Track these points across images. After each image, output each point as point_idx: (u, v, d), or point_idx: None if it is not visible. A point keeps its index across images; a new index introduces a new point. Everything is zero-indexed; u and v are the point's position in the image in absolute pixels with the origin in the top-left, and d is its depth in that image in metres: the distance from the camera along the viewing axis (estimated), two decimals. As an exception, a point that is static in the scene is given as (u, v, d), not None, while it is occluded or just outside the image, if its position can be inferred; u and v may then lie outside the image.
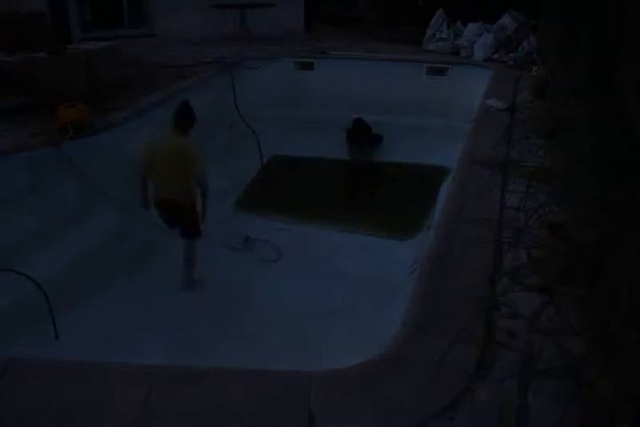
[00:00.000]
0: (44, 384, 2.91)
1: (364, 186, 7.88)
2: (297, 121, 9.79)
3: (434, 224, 5.15)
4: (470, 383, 2.80)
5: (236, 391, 2.83)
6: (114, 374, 2.99)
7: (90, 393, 2.84)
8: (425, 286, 3.65)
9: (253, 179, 8.53)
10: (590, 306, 3.32)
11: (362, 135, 9.00)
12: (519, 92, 8.19)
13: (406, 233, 6.85)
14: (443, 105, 9.37)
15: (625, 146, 2.40)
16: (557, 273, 3.73)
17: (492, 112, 7.44)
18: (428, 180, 7.83)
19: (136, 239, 6.19)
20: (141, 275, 5.79)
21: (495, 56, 10.45)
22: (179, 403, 2.74)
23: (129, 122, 7.03)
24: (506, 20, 10.81)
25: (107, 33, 11.23)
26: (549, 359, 2.97)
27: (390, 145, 9.30)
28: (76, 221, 5.89)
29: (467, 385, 2.79)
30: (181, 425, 2.66)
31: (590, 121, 3.24)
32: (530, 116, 7.07)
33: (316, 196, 7.83)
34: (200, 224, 5.57)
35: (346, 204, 7.37)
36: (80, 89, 7.06)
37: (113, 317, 5.07)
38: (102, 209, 6.17)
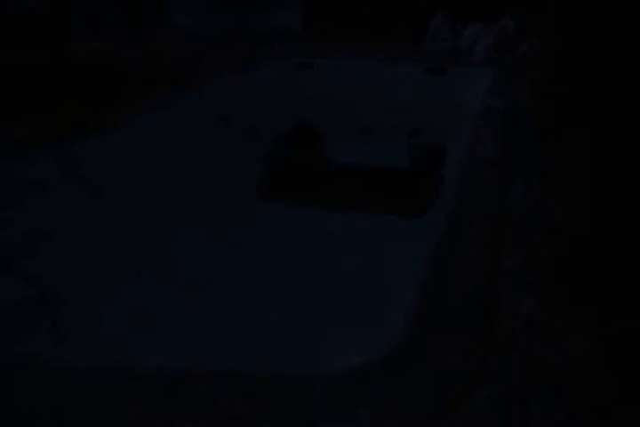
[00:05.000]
0: (44, 384, 2.91)
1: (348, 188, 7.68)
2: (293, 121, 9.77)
3: (434, 224, 5.15)
4: (471, 384, 2.80)
5: (235, 391, 2.83)
6: (112, 375, 2.98)
7: (89, 394, 2.84)
8: (425, 286, 3.65)
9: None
10: (590, 305, 3.33)
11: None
12: (519, 92, 8.19)
13: (405, 232, 6.83)
14: (443, 105, 9.37)
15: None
16: (558, 272, 3.73)
17: (493, 112, 7.44)
18: (426, 180, 7.81)
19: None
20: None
21: (495, 56, 10.46)
22: (178, 404, 2.73)
23: (128, 122, 7.03)
24: (506, 20, 10.83)
25: (107, 32, 11.22)
26: (550, 359, 2.97)
27: (388, 146, 9.29)
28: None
29: (468, 386, 2.79)
30: (180, 425, 2.66)
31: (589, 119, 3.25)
32: (530, 115, 7.08)
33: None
34: None
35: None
36: (80, 88, 7.06)
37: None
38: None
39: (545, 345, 3.06)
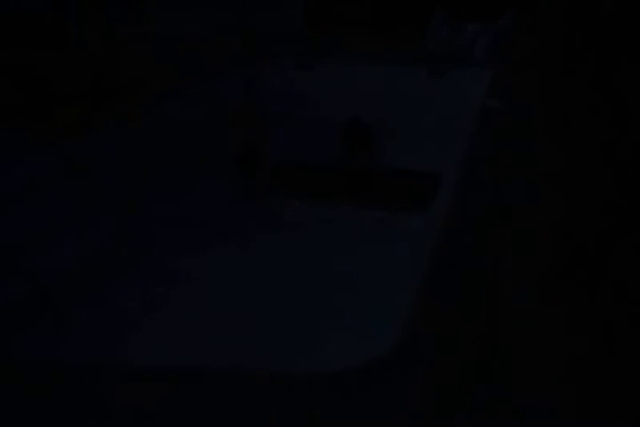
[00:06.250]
0: (44, 384, 2.91)
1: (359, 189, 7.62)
2: (293, 121, 9.76)
3: (434, 224, 5.14)
4: (471, 383, 2.80)
5: (236, 391, 2.82)
6: (112, 374, 2.98)
7: (88, 393, 2.84)
8: (426, 286, 3.65)
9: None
10: (591, 303, 3.33)
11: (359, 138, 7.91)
12: (519, 93, 8.18)
13: (405, 232, 6.82)
14: (442, 105, 9.35)
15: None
16: (558, 271, 3.73)
17: (492, 112, 7.44)
18: (426, 181, 7.80)
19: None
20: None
21: (495, 56, 10.46)
22: (177, 403, 2.73)
23: (129, 121, 7.02)
24: (506, 20, 10.83)
25: (107, 32, 11.21)
26: (550, 357, 2.97)
27: (388, 146, 9.27)
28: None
29: (467, 384, 2.79)
30: (180, 425, 2.66)
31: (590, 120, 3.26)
32: (529, 116, 7.07)
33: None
34: None
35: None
36: (81, 88, 7.05)
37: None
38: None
39: (545, 344, 3.06)
